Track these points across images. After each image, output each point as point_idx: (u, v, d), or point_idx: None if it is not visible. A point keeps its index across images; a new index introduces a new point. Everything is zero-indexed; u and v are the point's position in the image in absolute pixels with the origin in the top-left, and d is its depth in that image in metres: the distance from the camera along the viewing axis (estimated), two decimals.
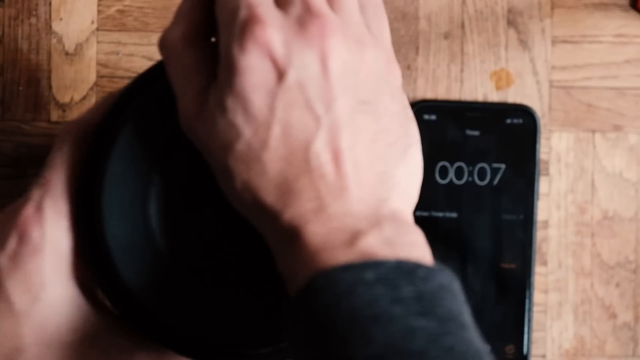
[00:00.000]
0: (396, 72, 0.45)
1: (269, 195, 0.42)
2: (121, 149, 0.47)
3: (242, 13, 0.42)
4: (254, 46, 0.42)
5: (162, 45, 0.45)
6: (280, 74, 0.42)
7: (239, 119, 0.42)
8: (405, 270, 0.40)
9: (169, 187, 0.47)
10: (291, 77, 0.42)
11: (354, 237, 0.41)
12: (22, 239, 0.46)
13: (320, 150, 0.42)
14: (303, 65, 0.42)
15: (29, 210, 0.46)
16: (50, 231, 0.46)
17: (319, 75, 0.42)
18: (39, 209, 0.46)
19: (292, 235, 0.42)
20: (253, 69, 0.42)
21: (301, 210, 0.42)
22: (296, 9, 0.43)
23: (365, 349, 0.38)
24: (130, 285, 0.47)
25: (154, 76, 0.48)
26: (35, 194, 0.47)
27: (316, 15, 0.42)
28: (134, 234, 0.47)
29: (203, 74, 0.44)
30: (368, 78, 0.43)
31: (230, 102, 0.42)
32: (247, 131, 0.42)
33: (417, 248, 0.42)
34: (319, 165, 0.42)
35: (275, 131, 0.42)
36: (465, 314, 0.41)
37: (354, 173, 0.42)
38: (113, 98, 0.48)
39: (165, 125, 0.46)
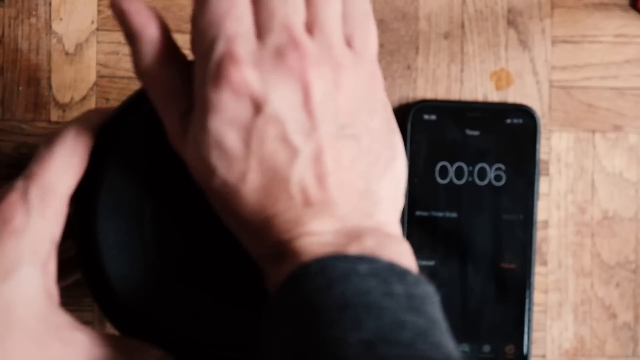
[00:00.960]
0: (378, 85, 0.45)
1: (250, 220, 0.43)
2: (118, 160, 0.47)
3: (218, 49, 0.42)
4: (228, 86, 0.42)
5: (139, 72, 0.45)
6: (257, 108, 0.42)
7: (213, 155, 0.42)
8: (397, 271, 0.41)
9: (164, 197, 0.48)
10: (268, 111, 0.42)
11: (337, 248, 0.41)
12: (4, 220, 0.45)
13: (299, 178, 0.42)
14: (281, 98, 0.42)
15: (14, 196, 0.46)
16: (34, 219, 0.46)
17: (298, 107, 0.42)
18: (25, 196, 0.46)
19: (276, 256, 0.43)
20: (226, 106, 0.42)
21: (282, 231, 0.42)
22: (274, 38, 0.42)
23: (356, 332, 0.38)
24: (118, 290, 0.47)
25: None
26: (20, 183, 0.46)
27: (294, 46, 0.42)
28: (126, 241, 0.47)
29: (185, 96, 0.44)
30: (348, 102, 0.43)
31: (204, 138, 0.42)
32: (221, 167, 0.42)
33: (402, 256, 0.42)
34: (297, 192, 0.42)
35: (252, 165, 0.42)
36: (446, 326, 0.41)
37: (336, 196, 0.42)
38: (111, 112, 0.49)
39: (160, 138, 0.47)
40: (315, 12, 0.44)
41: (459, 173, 0.66)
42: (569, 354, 0.67)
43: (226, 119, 0.42)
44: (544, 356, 0.67)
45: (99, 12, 0.65)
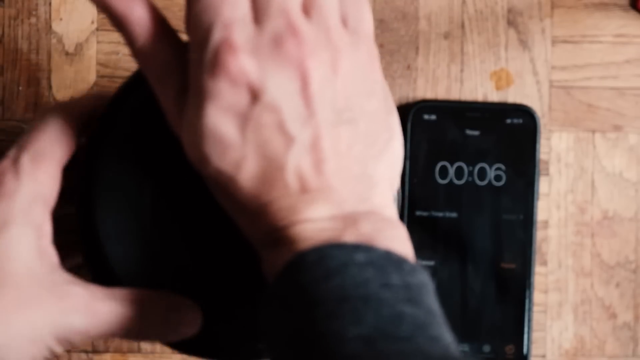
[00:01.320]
0: (376, 64, 0.44)
1: (246, 206, 0.43)
2: (116, 146, 0.48)
3: (215, 36, 0.41)
4: (224, 74, 0.41)
5: (134, 53, 0.44)
6: (254, 97, 0.41)
7: (208, 143, 0.42)
8: (394, 260, 0.41)
9: (164, 181, 0.48)
10: (265, 99, 0.41)
11: (333, 234, 0.41)
12: None
13: (295, 166, 0.42)
14: (278, 86, 0.41)
15: (5, 163, 0.47)
16: (25, 181, 0.46)
17: (296, 94, 0.42)
18: (16, 162, 0.46)
19: (272, 242, 0.42)
20: (223, 95, 0.41)
21: (278, 218, 0.42)
22: (272, 24, 0.42)
23: (355, 327, 0.38)
24: (121, 276, 0.48)
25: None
26: (13, 152, 0.47)
27: (292, 32, 0.42)
28: (127, 228, 0.48)
29: (180, 73, 0.43)
30: (346, 87, 0.43)
31: (199, 125, 0.42)
32: (216, 154, 0.42)
33: (398, 241, 0.42)
34: (293, 180, 0.42)
35: (248, 153, 0.42)
36: (443, 317, 0.41)
37: (333, 182, 0.42)
38: (110, 93, 0.49)
39: (158, 121, 0.47)
40: None
41: (459, 173, 0.66)
42: (569, 354, 0.67)
43: (222, 107, 0.41)
44: (544, 356, 0.67)
45: (99, 12, 0.65)
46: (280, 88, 0.41)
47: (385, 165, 0.44)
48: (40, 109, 0.49)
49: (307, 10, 0.43)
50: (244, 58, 0.41)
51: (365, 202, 0.43)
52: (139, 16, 0.44)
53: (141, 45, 0.44)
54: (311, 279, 0.40)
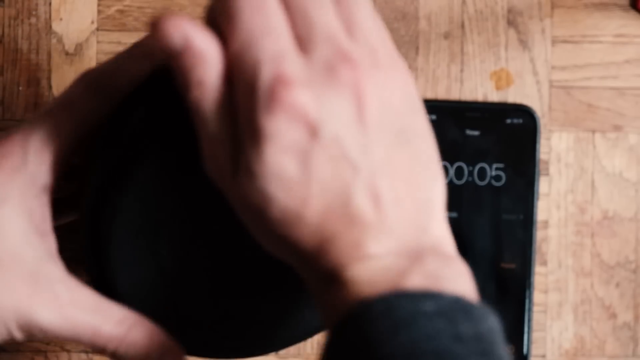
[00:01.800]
0: (412, 79, 0.42)
1: (306, 245, 0.40)
2: (132, 183, 0.45)
3: (266, 72, 0.39)
4: (282, 111, 0.39)
5: (194, 105, 0.41)
6: (313, 131, 0.39)
7: (272, 186, 0.39)
8: (463, 306, 0.38)
9: (180, 218, 0.46)
10: (325, 132, 0.39)
11: (399, 275, 0.39)
12: (2, 155, 0.45)
13: (360, 197, 0.40)
14: (336, 116, 0.39)
15: (17, 136, 0.45)
16: (31, 164, 0.45)
17: (353, 122, 0.39)
18: (27, 139, 0.45)
19: (332, 279, 0.40)
20: (282, 133, 0.39)
21: (341, 255, 0.40)
22: (321, 52, 0.40)
23: None
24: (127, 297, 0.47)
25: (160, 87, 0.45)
26: (27, 125, 0.45)
27: (344, 57, 0.39)
28: (142, 257, 0.46)
29: (235, 138, 0.41)
30: (399, 106, 0.41)
31: (261, 170, 0.39)
32: (280, 196, 0.39)
33: (462, 281, 0.40)
34: (359, 212, 0.40)
35: (314, 190, 0.39)
36: None
37: (395, 211, 0.40)
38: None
39: (178, 139, 0.45)
40: (350, 14, 0.41)
41: (459, 173, 0.66)
42: (569, 354, 0.67)
43: (282, 147, 0.39)
44: (544, 356, 0.67)
45: (99, 12, 0.65)
46: (337, 118, 0.39)
47: (440, 186, 0.42)
48: (79, 75, 0.47)
49: (350, 32, 0.41)
50: (299, 92, 0.39)
51: (425, 233, 0.41)
52: (212, 77, 0.40)
53: (207, 109, 0.40)
54: (378, 333, 0.37)
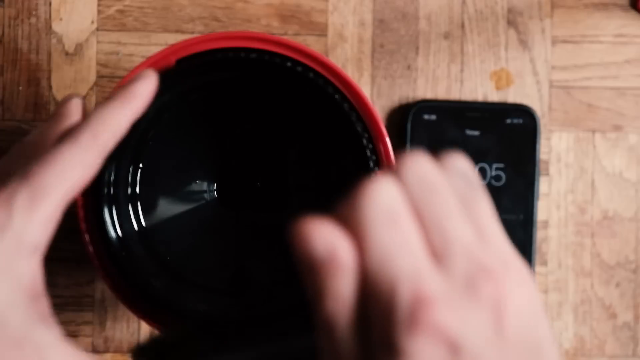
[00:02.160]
0: (531, 279, 0.40)
1: None
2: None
3: (405, 292, 0.37)
4: (424, 331, 0.37)
5: (326, 318, 0.39)
6: (455, 350, 0.37)
7: None
8: None
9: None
10: (467, 349, 0.37)
11: None
12: None
13: None
14: (477, 331, 0.37)
15: (1, 195, 0.41)
16: (16, 225, 0.41)
17: (494, 336, 0.38)
18: (12, 197, 0.42)
19: None
20: (422, 354, 0.37)
21: None
22: (461, 267, 0.38)
23: None
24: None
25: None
26: (15, 180, 0.42)
27: (484, 271, 0.38)
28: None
29: (365, 355, 0.38)
30: (529, 315, 0.39)
31: None
32: None
33: None
34: None
35: None
36: None
37: None
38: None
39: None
40: (478, 217, 0.40)
41: None
42: (569, 354, 0.67)
43: None
44: None
45: (99, 12, 0.65)
46: (478, 333, 0.37)
47: None
48: (68, 128, 0.44)
49: (482, 239, 0.39)
50: (440, 312, 0.37)
51: None
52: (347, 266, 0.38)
53: (339, 306, 0.38)
54: None
